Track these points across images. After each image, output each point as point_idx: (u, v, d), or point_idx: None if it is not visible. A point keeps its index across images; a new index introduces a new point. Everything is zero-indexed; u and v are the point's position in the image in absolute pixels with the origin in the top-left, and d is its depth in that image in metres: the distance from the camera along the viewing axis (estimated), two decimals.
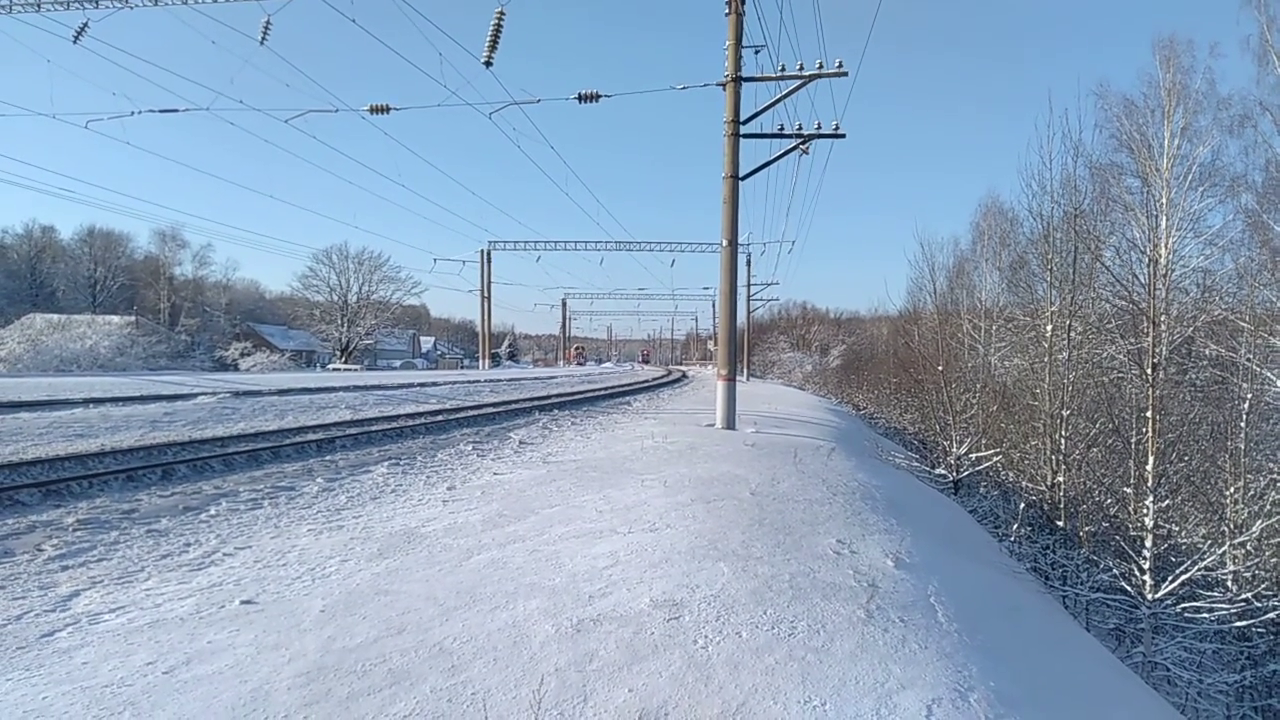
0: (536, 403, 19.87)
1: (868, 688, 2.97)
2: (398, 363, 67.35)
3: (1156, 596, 7.55)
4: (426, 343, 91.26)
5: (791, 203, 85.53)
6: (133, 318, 49.22)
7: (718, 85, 12.63)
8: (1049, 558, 9.81)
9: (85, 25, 15.63)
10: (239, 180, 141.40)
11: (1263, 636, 7.81)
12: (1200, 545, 8.12)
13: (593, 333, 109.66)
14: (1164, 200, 17.42)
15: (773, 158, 13.44)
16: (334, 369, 51.09)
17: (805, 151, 13.20)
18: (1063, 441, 10.31)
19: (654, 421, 14.72)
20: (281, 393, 18.37)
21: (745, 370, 47.12)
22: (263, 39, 15.04)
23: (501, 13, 13.41)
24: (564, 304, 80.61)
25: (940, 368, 13.71)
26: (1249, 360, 13.50)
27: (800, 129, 12.97)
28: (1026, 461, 11.16)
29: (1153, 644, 7.61)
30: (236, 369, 47.16)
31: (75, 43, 15.62)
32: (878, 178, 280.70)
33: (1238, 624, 7.49)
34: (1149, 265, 12.09)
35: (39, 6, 16.05)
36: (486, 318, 56.93)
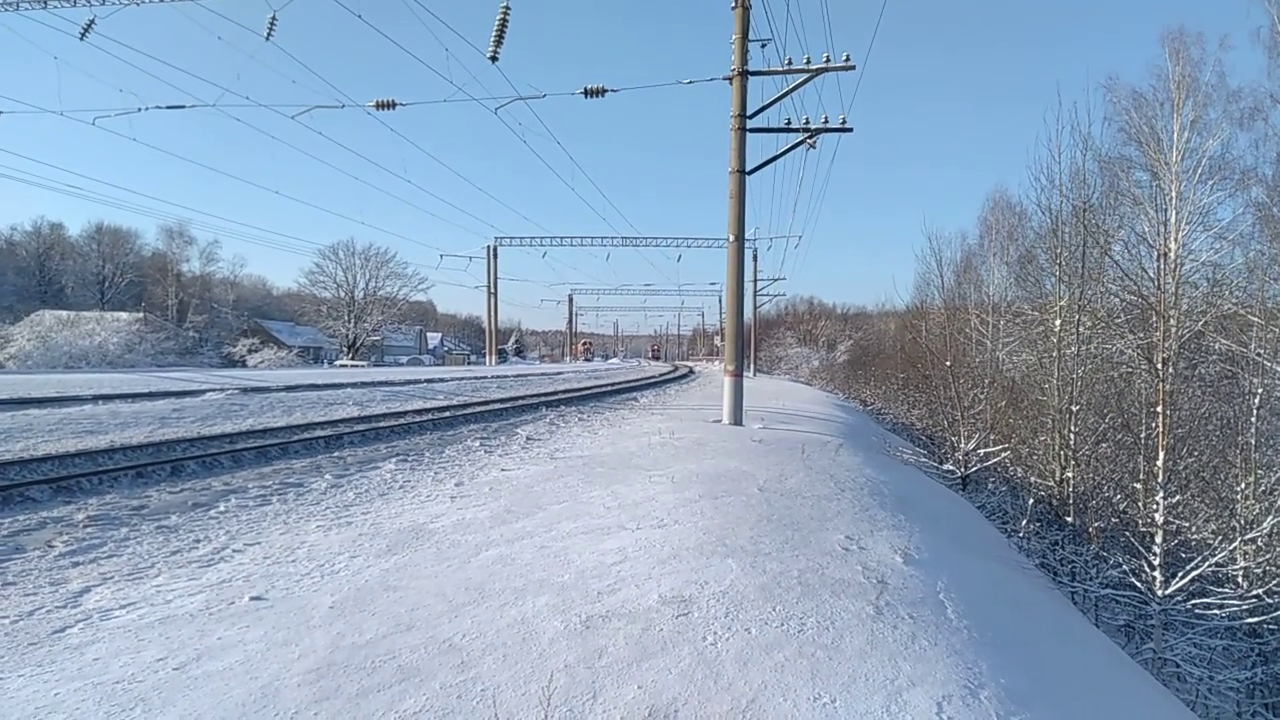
0: (543, 399, 19.89)
1: (878, 685, 2.95)
2: (404, 359, 67.56)
3: (1166, 593, 7.52)
4: (433, 339, 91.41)
5: (798, 197, 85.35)
6: (141, 314, 49.57)
7: (724, 80, 12.58)
8: (1058, 553, 9.77)
9: (92, 22, 15.66)
10: (245, 176, 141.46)
11: (1274, 633, 7.77)
12: (1210, 541, 8.07)
13: (599, 328, 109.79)
14: (1173, 194, 17.23)
15: (779, 152, 13.40)
16: (341, 365, 51.31)
17: (812, 145, 13.15)
18: (1071, 437, 10.27)
19: (661, 417, 14.72)
20: (289, 389, 18.45)
21: (752, 366, 47.06)
22: (268, 35, 15.03)
23: (507, 8, 13.39)
24: (570, 300, 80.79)
25: (948, 363, 13.68)
26: (1259, 355, 13.38)
27: (807, 123, 12.93)
28: (1035, 457, 11.13)
29: (1163, 640, 7.58)
30: (244, 365, 47.46)
31: (82, 39, 15.66)
32: (885, 172, 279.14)
33: (1248, 620, 7.46)
34: (1158, 259, 12.00)
35: (46, 3, 16.09)
36: (493, 314, 57.01)
